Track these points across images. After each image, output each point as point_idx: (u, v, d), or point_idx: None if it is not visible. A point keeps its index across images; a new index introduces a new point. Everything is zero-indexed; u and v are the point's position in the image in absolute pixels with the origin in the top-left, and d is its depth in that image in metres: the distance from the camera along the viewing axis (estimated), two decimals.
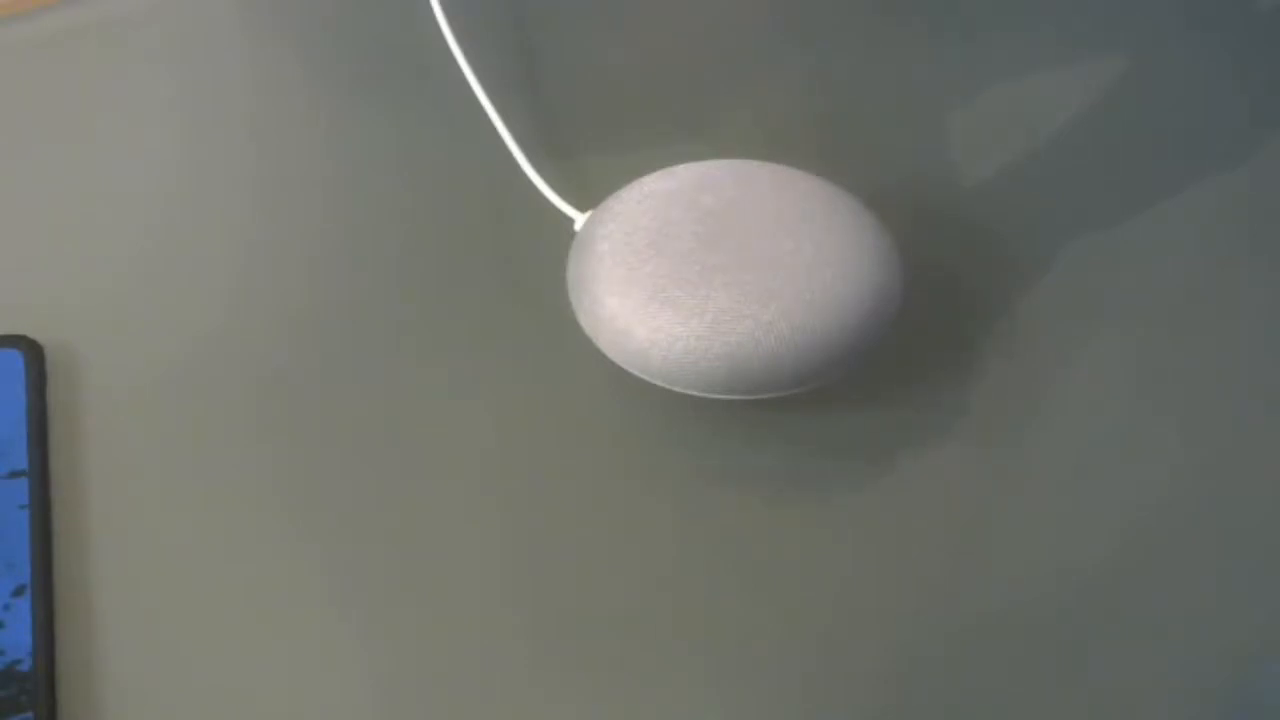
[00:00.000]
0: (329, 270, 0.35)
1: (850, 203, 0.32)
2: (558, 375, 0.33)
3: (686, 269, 0.31)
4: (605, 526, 0.31)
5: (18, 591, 0.28)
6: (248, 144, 0.37)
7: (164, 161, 0.37)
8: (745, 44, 0.41)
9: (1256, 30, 0.42)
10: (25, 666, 0.27)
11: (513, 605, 0.30)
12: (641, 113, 0.39)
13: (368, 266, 0.35)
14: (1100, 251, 0.36)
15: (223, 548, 0.30)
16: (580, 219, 0.34)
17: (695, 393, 0.31)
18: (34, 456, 0.30)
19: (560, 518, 0.31)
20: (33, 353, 0.32)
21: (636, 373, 0.31)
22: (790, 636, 0.29)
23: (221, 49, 0.40)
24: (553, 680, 0.29)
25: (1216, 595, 0.30)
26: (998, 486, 0.32)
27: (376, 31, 0.40)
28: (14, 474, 0.30)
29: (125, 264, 0.35)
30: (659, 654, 0.29)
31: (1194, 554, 0.31)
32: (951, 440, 0.32)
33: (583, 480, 0.31)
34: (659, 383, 0.31)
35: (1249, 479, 0.32)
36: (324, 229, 0.36)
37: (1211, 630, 0.30)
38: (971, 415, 0.33)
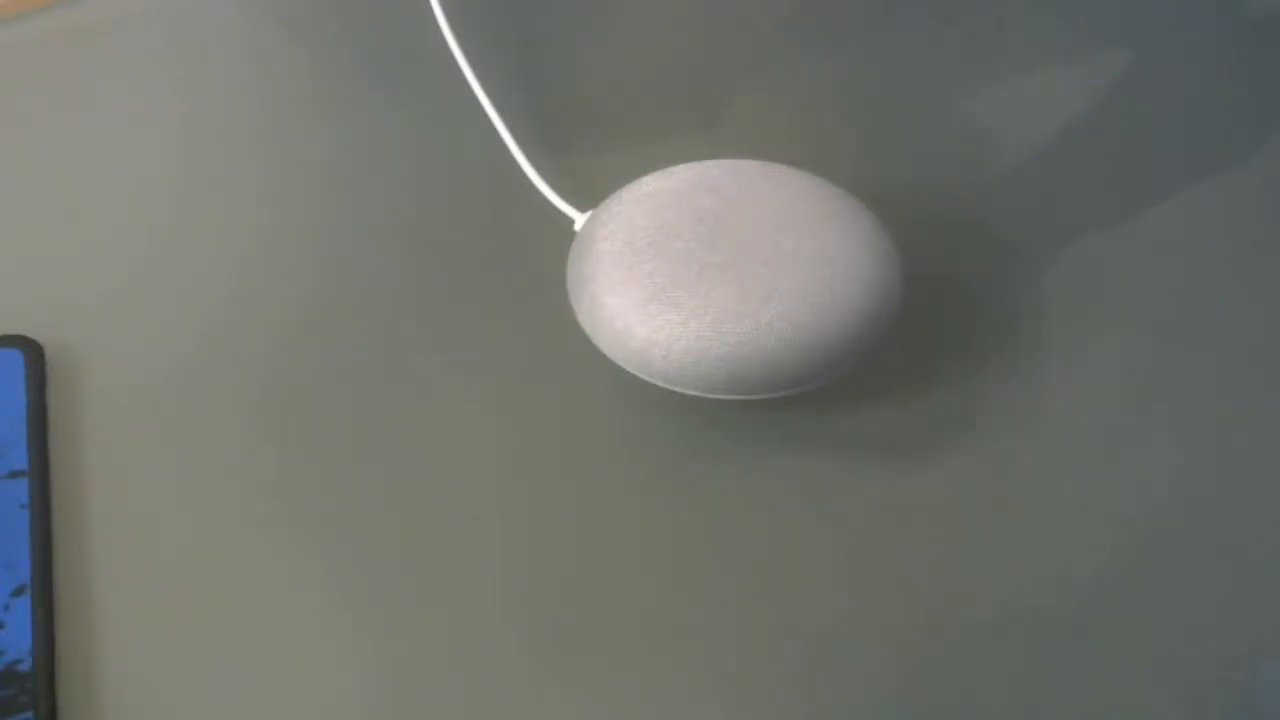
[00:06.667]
0: (329, 271, 0.35)
1: (850, 203, 0.32)
2: (558, 375, 0.33)
3: (686, 269, 0.31)
4: (605, 526, 0.31)
5: (18, 591, 0.28)
6: (247, 145, 0.37)
7: (164, 161, 0.37)
8: (745, 44, 0.41)
9: (1256, 32, 0.42)
10: (25, 666, 0.27)
11: (512, 604, 0.30)
12: (641, 112, 0.39)
13: (367, 267, 0.35)
14: (1100, 251, 0.36)
15: (223, 547, 0.30)
16: (580, 219, 0.34)
17: (695, 393, 0.31)
18: (34, 456, 0.30)
19: (560, 517, 0.31)
20: (33, 353, 0.32)
21: (636, 373, 0.31)
22: (790, 636, 0.29)
23: (221, 50, 0.40)
24: (551, 680, 0.29)
25: (1215, 597, 0.30)
26: (998, 486, 0.32)
27: (376, 32, 0.40)
28: (14, 474, 0.30)
29: (125, 264, 0.35)
30: (658, 653, 0.29)
31: (1193, 555, 0.31)
32: (951, 440, 0.32)
33: (582, 480, 0.31)
34: (659, 383, 0.31)
35: (1249, 480, 0.32)
36: (324, 229, 0.36)
37: (1210, 632, 0.30)
38: (971, 415, 0.33)
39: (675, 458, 0.32)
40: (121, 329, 0.33)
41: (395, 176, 0.37)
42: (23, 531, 0.29)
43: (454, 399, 0.33)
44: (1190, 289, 0.35)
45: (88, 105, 0.38)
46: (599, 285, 0.31)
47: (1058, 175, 0.38)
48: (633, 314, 0.31)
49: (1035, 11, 0.42)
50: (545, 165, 0.37)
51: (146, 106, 0.38)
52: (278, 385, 0.33)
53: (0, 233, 0.35)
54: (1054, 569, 0.30)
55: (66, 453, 0.31)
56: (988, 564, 0.31)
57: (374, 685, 0.28)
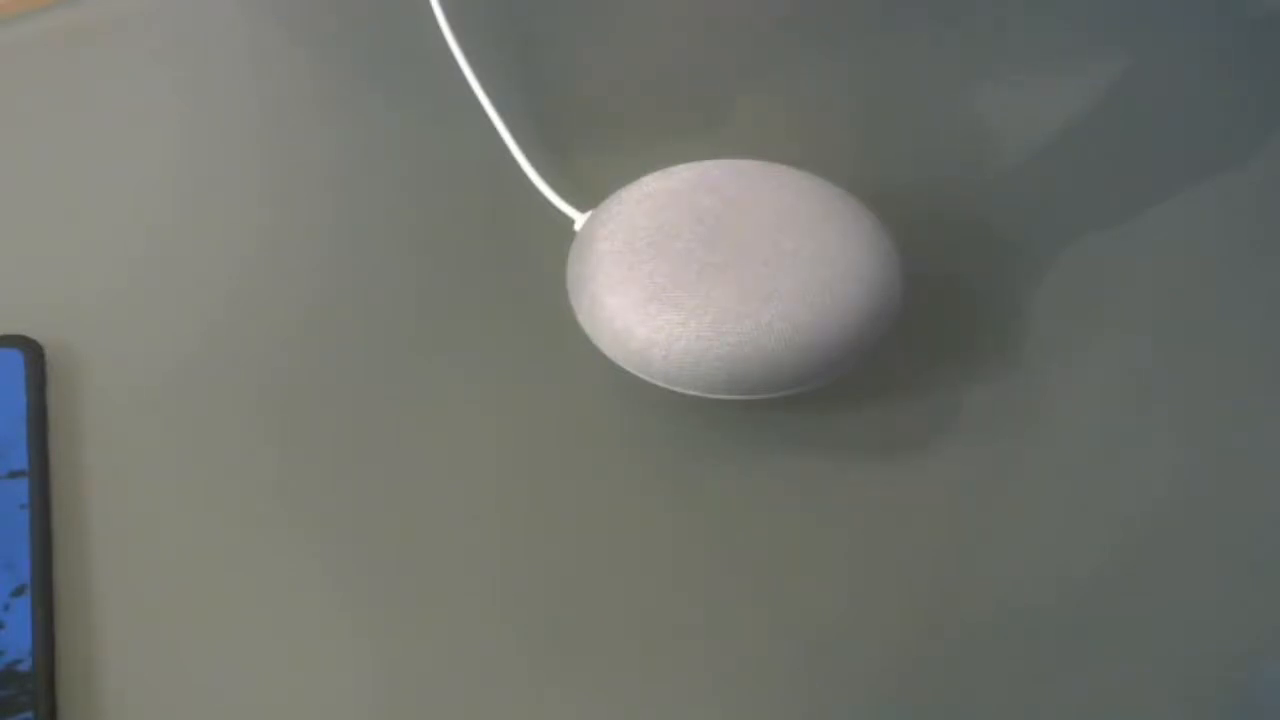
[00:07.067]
0: (329, 271, 0.35)
1: (850, 203, 0.32)
2: (558, 375, 0.33)
3: (686, 269, 0.31)
4: (605, 526, 0.31)
5: (18, 591, 0.28)
6: (248, 145, 0.37)
7: (164, 162, 0.37)
8: (745, 44, 0.41)
9: (1256, 32, 0.42)
10: (25, 666, 0.27)
11: (512, 604, 0.30)
12: (642, 112, 0.39)
13: (368, 267, 0.35)
14: (1100, 252, 0.36)
15: (223, 547, 0.30)
16: (580, 219, 0.34)
17: (695, 393, 0.31)
18: (34, 456, 0.30)
19: (560, 517, 0.31)
20: (33, 353, 0.32)
21: (636, 373, 0.31)
22: (790, 636, 0.29)
23: (221, 50, 0.40)
24: (551, 680, 0.29)
25: (1215, 597, 0.30)
26: (997, 487, 0.32)
27: (376, 32, 0.40)
28: (14, 474, 0.30)
29: (125, 264, 0.35)
30: (658, 653, 0.29)
31: (1192, 555, 0.31)
32: (951, 440, 0.32)
33: (582, 480, 0.31)
34: (659, 383, 0.31)
35: (1249, 480, 0.32)
36: (324, 229, 0.36)
37: (1210, 632, 0.30)
38: (971, 415, 0.33)
39: (675, 458, 0.32)
40: (121, 329, 0.33)
41: (395, 176, 0.37)
42: (23, 531, 0.29)
43: (454, 399, 0.33)
44: (1190, 289, 0.35)
45: (88, 105, 0.38)
46: (599, 285, 0.31)
47: (1058, 175, 0.38)
48: (633, 314, 0.31)
49: (1035, 11, 0.42)
50: (545, 165, 0.37)
51: (146, 106, 0.38)
52: (278, 385, 0.33)
53: (0, 233, 0.35)
54: (1054, 569, 0.30)
55: (66, 453, 0.31)
56: (988, 564, 0.31)
57: (374, 685, 0.28)
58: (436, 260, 0.35)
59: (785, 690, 0.29)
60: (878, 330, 0.31)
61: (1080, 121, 0.39)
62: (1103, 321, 0.35)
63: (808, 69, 0.40)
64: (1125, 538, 0.31)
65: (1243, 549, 0.31)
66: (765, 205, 0.32)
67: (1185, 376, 0.34)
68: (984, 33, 0.41)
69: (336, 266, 0.35)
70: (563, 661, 0.29)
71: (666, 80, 0.40)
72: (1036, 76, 0.40)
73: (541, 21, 0.41)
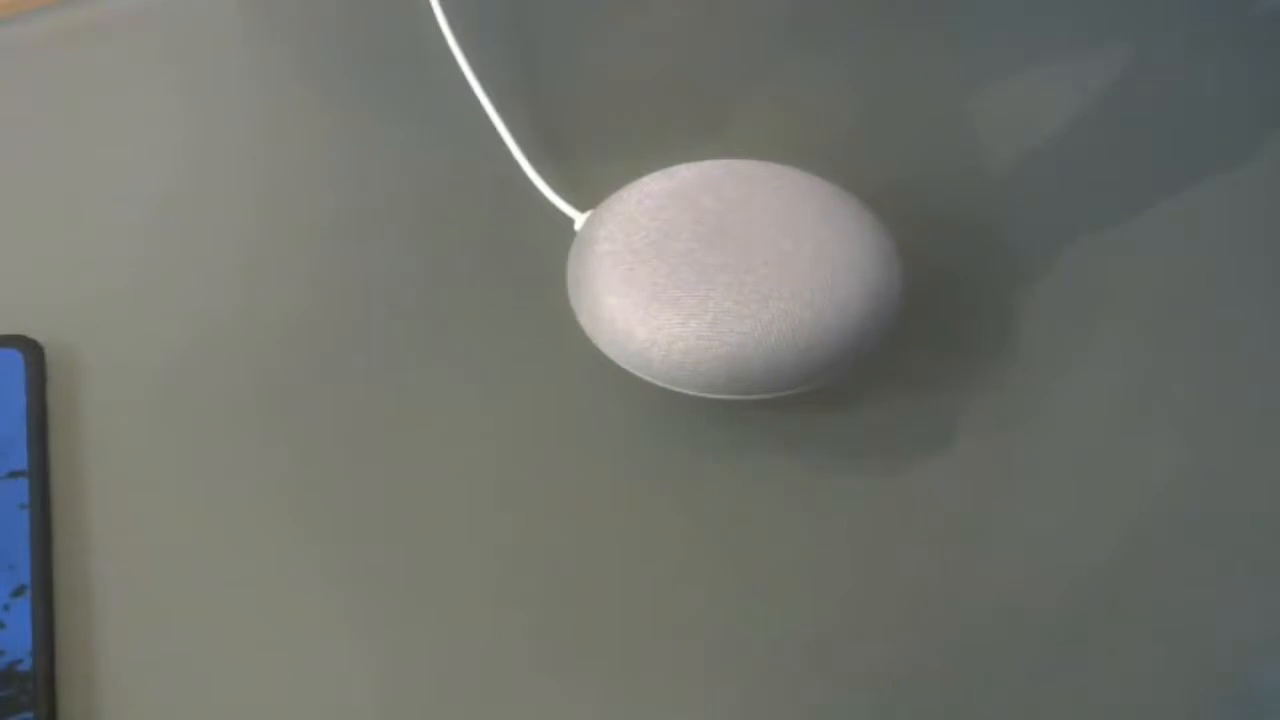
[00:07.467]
0: (329, 270, 0.35)
1: (850, 203, 0.32)
2: (558, 375, 0.33)
3: (686, 269, 0.31)
4: (605, 527, 0.31)
5: (18, 591, 0.28)
6: (248, 145, 0.37)
7: (164, 162, 0.37)
8: (745, 44, 0.41)
9: (1256, 31, 0.42)
10: (25, 666, 0.27)
11: (512, 604, 0.30)
12: (641, 113, 0.39)
13: (367, 267, 0.35)
14: (1100, 252, 0.36)
15: (223, 548, 0.30)
16: (580, 219, 0.34)
17: (695, 393, 0.31)
18: (34, 456, 0.30)
19: (560, 518, 0.31)
20: (33, 353, 0.32)
21: (637, 373, 0.31)
22: (790, 636, 0.29)
23: (222, 49, 0.40)
24: (551, 680, 0.29)
25: (1216, 595, 0.30)
26: (998, 486, 0.32)
27: (376, 32, 0.40)
28: (14, 474, 0.30)
29: (125, 264, 0.35)
30: (658, 653, 0.29)
31: (1194, 554, 0.31)
32: (951, 441, 0.32)
33: (583, 481, 0.31)
34: (659, 383, 0.31)
35: (1249, 480, 0.32)
36: (324, 229, 0.36)
37: (1210, 632, 0.30)
38: (971, 415, 0.33)
39: (675, 458, 0.32)
40: (121, 329, 0.33)
41: (395, 176, 0.37)
42: (23, 531, 0.29)
43: (454, 399, 0.33)
44: (1190, 289, 0.35)
45: (88, 105, 0.38)
46: (599, 285, 0.31)
47: (1058, 175, 0.38)
48: (633, 314, 0.31)
49: (1035, 11, 0.42)
50: (545, 165, 0.37)
51: (146, 107, 0.38)
52: (277, 385, 0.33)
53: (0, 233, 0.35)
54: (1054, 568, 0.30)
55: (66, 453, 0.31)
56: (988, 564, 0.31)
57: (374, 684, 0.28)
58: (436, 260, 0.35)
59: (785, 689, 0.29)
60: (878, 330, 0.31)
61: (1080, 121, 0.39)
62: (1103, 321, 0.35)
63: (808, 69, 0.40)
64: (1125, 538, 0.31)
65: (1243, 549, 0.31)
66: (765, 205, 0.32)
67: (1185, 376, 0.34)
68: (984, 32, 0.41)
69: (336, 266, 0.35)
70: (562, 661, 0.29)
71: (666, 80, 0.40)
72: (1036, 76, 0.40)
73: (542, 21, 0.41)
